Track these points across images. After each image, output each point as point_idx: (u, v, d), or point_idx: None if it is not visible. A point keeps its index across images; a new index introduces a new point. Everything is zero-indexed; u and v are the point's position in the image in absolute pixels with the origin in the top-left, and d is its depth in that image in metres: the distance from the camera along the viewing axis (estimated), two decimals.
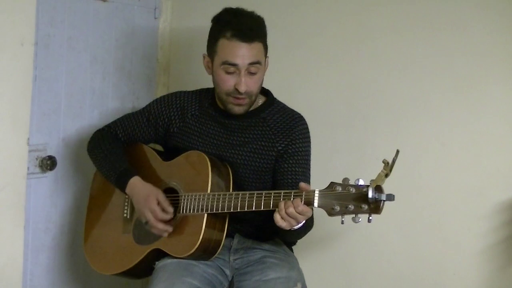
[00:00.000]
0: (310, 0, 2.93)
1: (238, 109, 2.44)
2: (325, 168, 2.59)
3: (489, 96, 2.61)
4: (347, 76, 2.87)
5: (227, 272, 2.47)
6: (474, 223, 2.63)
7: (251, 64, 2.36)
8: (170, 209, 2.40)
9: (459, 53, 2.64)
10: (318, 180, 2.48)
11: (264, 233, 2.50)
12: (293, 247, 2.60)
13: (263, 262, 2.43)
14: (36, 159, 2.68)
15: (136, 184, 2.47)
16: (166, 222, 2.40)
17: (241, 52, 2.34)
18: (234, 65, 2.35)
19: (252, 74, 2.38)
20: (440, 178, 2.69)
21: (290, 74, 2.71)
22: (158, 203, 2.40)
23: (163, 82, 3.28)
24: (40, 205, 2.76)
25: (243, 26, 2.36)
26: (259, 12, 2.45)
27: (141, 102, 3.13)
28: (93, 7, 2.89)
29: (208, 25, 2.47)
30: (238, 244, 2.49)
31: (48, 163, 2.69)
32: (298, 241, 2.57)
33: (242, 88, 2.36)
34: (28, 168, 2.50)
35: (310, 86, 2.93)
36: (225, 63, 2.36)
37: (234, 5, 2.46)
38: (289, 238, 2.51)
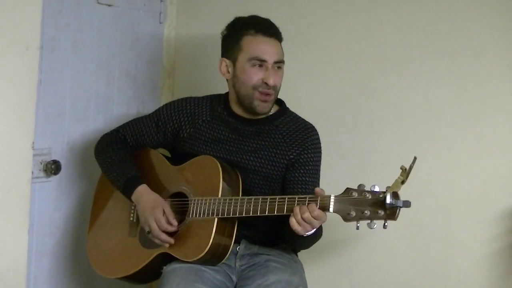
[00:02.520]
0: (316, 3, 2.93)
1: (263, 106, 2.45)
2: (330, 173, 2.58)
3: (495, 101, 2.60)
4: (352, 79, 2.86)
5: (234, 278, 2.46)
6: (480, 229, 2.62)
7: (277, 62, 2.42)
8: (175, 222, 2.41)
9: (466, 57, 2.64)
10: (322, 185, 2.48)
11: (271, 239, 2.50)
12: (298, 253, 2.59)
13: (265, 266, 2.42)
14: (41, 163, 2.68)
15: (143, 192, 2.47)
16: (169, 234, 2.40)
17: (269, 48, 2.42)
18: (263, 60, 2.40)
19: (278, 69, 2.44)
20: (445, 184, 2.69)
21: (294, 78, 2.70)
22: (164, 214, 2.40)
23: (168, 86, 3.28)
24: (44, 209, 2.76)
25: (264, 23, 2.45)
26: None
27: (146, 106, 3.12)
28: (98, 11, 2.89)
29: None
30: (244, 250, 2.48)
31: (53, 167, 2.69)
32: None
33: (271, 82, 2.41)
34: (32, 172, 2.49)
35: (315, 90, 2.93)
36: (254, 58, 2.41)
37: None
38: (298, 246, 2.51)
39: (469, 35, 2.64)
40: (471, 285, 2.65)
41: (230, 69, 2.48)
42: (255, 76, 2.42)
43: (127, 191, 2.49)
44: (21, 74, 2.30)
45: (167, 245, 2.40)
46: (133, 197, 2.48)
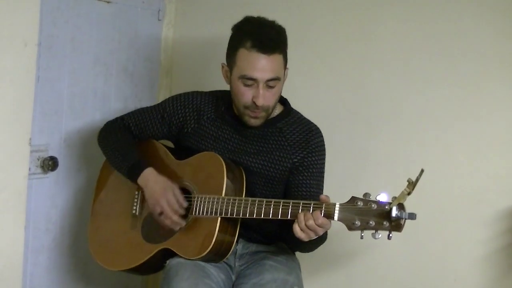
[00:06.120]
0: (313, 3, 2.93)
1: (254, 122, 2.42)
2: (327, 174, 2.58)
3: (491, 102, 2.60)
4: (350, 81, 2.86)
5: (233, 278, 2.46)
6: (476, 230, 2.62)
7: (270, 80, 2.34)
8: (185, 204, 2.38)
9: (462, 58, 2.64)
10: None
11: (269, 238, 2.50)
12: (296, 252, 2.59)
13: (262, 265, 2.42)
14: (38, 159, 2.68)
15: (151, 175, 2.43)
16: (180, 217, 2.38)
17: (261, 65, 2.32)
18: (253, 79, 2.33)
19: (270, 87, 2.36)
20: (441, 184, 2.68)
21: (291, 78, 2.70)
22: (174, 196, 2.38)
23: (165, 84, 3.28)
24: (41, 205, 2.76)
25: (263, 37, 2.33)
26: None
27: (144, 104, 3.11)
28: (96, 8, 2.89)
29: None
30: (243, 249, 2.48)
31: (50, 164, 2.69)
32: None
33: (260, 102, 2.34)
34: (29, 168, 2.50)
35: (312, 91, 2.93)
36: (244, 77, 2.34)
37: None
38: (301, 250, 2.50)
39: (467, 36, 2.64)
40: (467, 285, 2.65)
41: (228, 75, 2.44)
42: (245, 94, 2.36)
43: (133, 175, 2.45)
44: (19, 71, 2.31)
45: (177, 228, 2.37)
46: (139, 181, 2.44)
